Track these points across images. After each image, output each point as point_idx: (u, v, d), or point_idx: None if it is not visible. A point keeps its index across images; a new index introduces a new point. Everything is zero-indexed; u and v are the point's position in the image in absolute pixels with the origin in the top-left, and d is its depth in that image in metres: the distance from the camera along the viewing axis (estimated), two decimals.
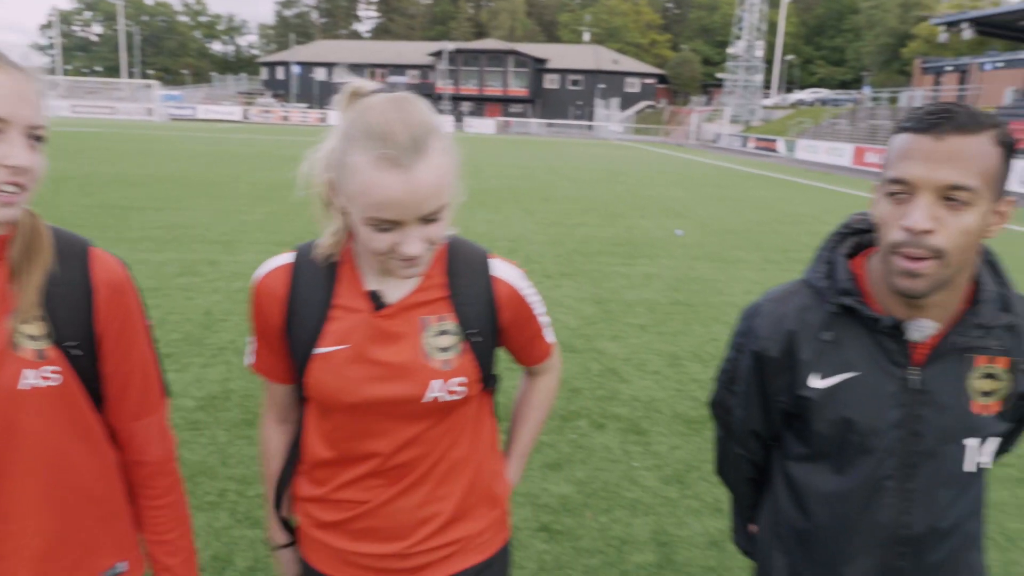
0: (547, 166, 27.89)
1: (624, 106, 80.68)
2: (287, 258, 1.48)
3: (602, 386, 5.48)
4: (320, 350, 1.42)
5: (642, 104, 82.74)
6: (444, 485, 1.51)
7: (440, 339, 1.43)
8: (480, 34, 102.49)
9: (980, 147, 1.21)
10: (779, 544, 1.53)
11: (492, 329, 1.49)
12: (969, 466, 1.40)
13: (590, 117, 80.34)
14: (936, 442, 1.37)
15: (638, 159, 36.39)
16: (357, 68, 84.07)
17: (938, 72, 55.03)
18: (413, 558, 1.50)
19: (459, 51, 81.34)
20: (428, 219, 1.29)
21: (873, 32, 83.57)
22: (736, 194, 20.85)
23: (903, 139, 1.26)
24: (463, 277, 1.47)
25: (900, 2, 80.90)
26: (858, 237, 1.47)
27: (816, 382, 1.40)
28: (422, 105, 1.32)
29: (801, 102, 68.71)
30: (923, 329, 1.34)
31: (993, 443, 1.40)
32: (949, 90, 52.34)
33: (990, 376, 1.38)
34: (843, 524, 1.42)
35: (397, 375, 1.41)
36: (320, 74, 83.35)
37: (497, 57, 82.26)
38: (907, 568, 1.41)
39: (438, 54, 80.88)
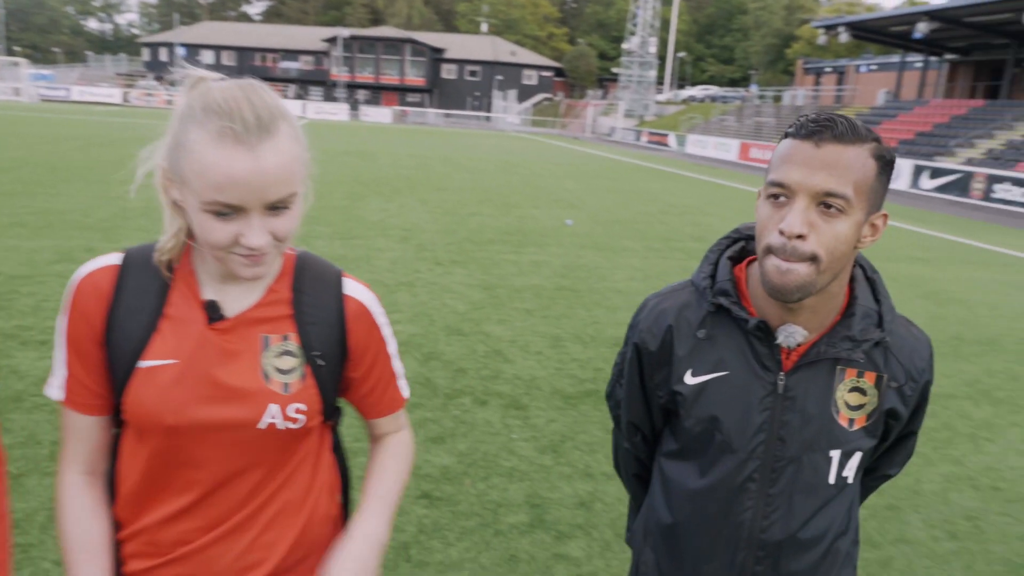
0: (443, 156, 28.00)
1: (522, 98, 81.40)
2: (114, 259, 1.30)
3: (487, 366, 5.71)
4: (144, 364, 1.25)
5: (539, 96, 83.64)
6: (272, 530, 1.34)
7: (281, 360, 1.29)
8: (376, 21, 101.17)
9: (857, 158, 1.24)
10: (649, 540, 1.55)
11: (339, 354, 1.36)
12: (833, 478, 1.41)
13: (488, 108, 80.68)
14: (800, 449, 1.39)
15: (534, 151, 36.91)
16: (247, 52, 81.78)
17: (818, 73, 57.87)
18: None
19: (354, 38, 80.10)
20: (275, 208, 1.18)
21: (760, 32, 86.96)
22: (626, 186, 21.50)
23: (786, 144, 1.29)
24: (311, 294, 1.34)
25: (785, 4, 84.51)
26: (746, 243, 1.49)
27: (689, 378, 1.42)
28: (271, 91, 1.22)
29: (692, 98, 70.97)
30: (793, 335, 1.35)
31: (858, 458, 1.42)
32: (828, 90, 55.17)
33: (858, 390, 1.39)
34: (705, 523, 1.44)
35: (230, 396, 1.26)
36: (207, 57, 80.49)
37: (394, 45, 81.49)
38: (763, 573, 1.43)
39: (333, 40, 79.40)
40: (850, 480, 1.43)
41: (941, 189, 26.91)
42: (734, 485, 1.40)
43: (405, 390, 1.49)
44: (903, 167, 28.81)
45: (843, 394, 1.39)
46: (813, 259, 1.24)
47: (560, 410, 4.98)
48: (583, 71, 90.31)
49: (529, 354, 6.07)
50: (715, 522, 1.43)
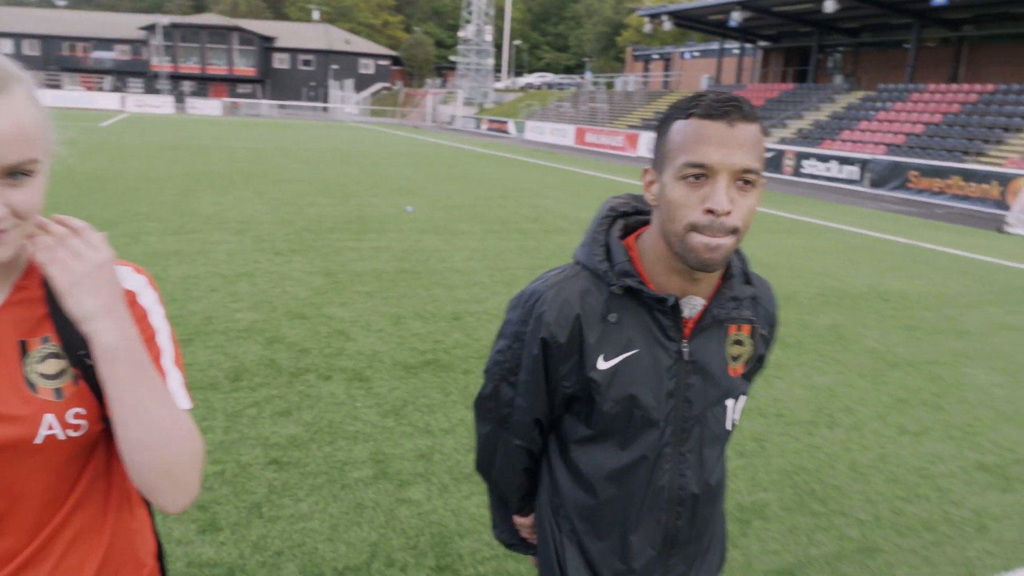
0: (279, 148, 27.48)
1: (359, 88, 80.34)
2: None
3: (330, 345, 5.94)
4: None
5: (378, 86, 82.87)
6: (71, 556, 1.20)
7: (45, 365, 1.15)
8: (199, 8, 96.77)
9: (757, 134, 1.30)
10: (566, 527, 1.56)
11: None
12: (728, 424, 1.53)
13: (325, 99, 79.13)
14: (704, 407, 1.47)
15: (374, 141, 36.76)
16: (52, 41, 75.95)
17: (647, 60, 60.55)
18: None
19: (175, 26, 76.29)
20: (12, 173, 1.04)
21: (592, 21, 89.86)
22: (465, 172, 21.96)
23: (695, 125, 1.29)
24: None
25: None
26: (625, 220, 1.51)
27: (601, 363, 1.43)
28: (3, 56, 1.09)
29: (530, 85, 72.52)
30: (695, 305, 1.43)
31: (742, 401, 1.55)
32: (656, 76, 57.86)
33: (738, 343, 1.50)
34: (628, 496, 1.48)
35: None
36: (6, 46, 73.37)
37: (220, 33, 78.24)
38: (684, 527, 1.51)
39: (151, 28, 75.18)
40: (737, 421, 1.56)
41: None
42: (654, 453, 1.46)
43: (183, 400, 1.22)
44: None
45: (729, 348, 1.49)
46: (735, 232, 1.31)
47: (401, 379, 5.30)
48: (421, 60, 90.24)
49: (371, 332, 6.34)
50: (639, 493, 1.48)
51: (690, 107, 1.31)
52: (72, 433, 1.14)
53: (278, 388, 5.00)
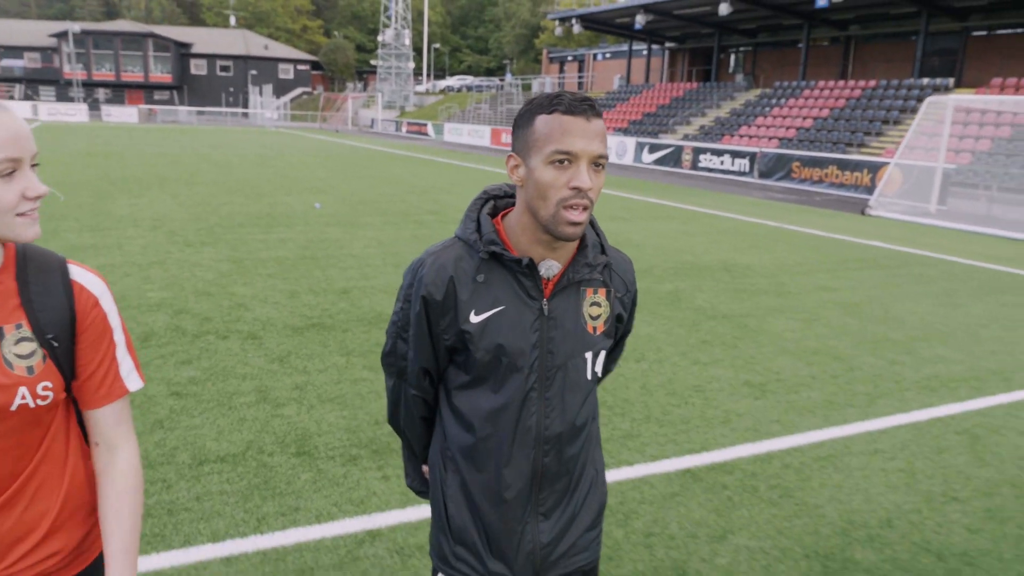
0: (196, 153, 27.94)
1: (279, 93, 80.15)
2: None
3: (230, 314, 6.91)
4: None
5: (298, 91, 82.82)
6: (38, 503, 1.48)
7: (19, 347, 1.41)
8: (111, 14, 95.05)
9: (603, 126, 1.60)
10: (450, 465, 1.79)
11: (70, 336, 1.47)
12: (589, 375, 1.77)
13: (244, 104, 78.72)
14: (564, 357, 1.71)
15: (292, 145, 37.31)
16: None
17: (562, 62, 62.11)
18: None
19: (87, 32, 75.01)
20: (34, 164, 1.37)
21: (510, 24, 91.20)
22: (377, 173, 22.90)
23: (559, 120, 1.56)
24: (37, 283, 1.45)
25: None
26: (496, 201, 1.78)
27: (473, 317, 1.67)
28: None
29: (450, 88, 73.49)
30: (551, 268, 1.68)
31: (602, 356, 1.79)
32: (571, 77, 59.47)
33: (596, 304, 1.75)
34: (501, 433, 1.72)
35: None
36: None
37: (134, 40, 77.22)
38: (551, 463, 1.74)
39: (63, 35, 73.74)
40: (599, 374, 1.82)
41: (659, 162, 30.76)
42: (521, 397, 1.70)
43: (131, 382, 1.56)
44: (628, 144, 32.44)
45: (587, 308, 1.74)
46: (590, 205, 1.59)
47: (288, 337, 6.33)
48: (341, 64, 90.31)
49: (267, 304, 7.32)
50: (510, 431, 1.71)
51: (553, 105, 1.57)
52: (41, 402, 1.41)
53: (182, 345, 5.97)
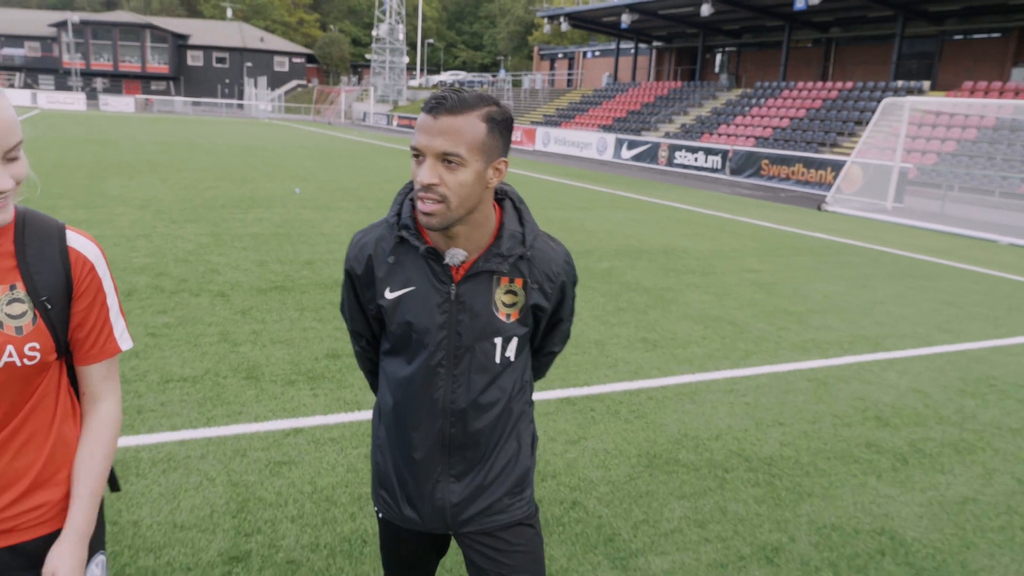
0: (188, 142, 28.85)
1: (274, 85, 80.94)
2: None
3: (204, 277, 7.86)
4: None
5: (293, 83, 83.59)
6: (24, 455, 1.55)
7: (11, 307, 1.48)
8: (110, 5, 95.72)
9: (466, 123, 1.63)
10: (382, 419, 1.96)
11: (65, 299, 1.54)
12: (497, 358, 1.86)
13: (240, 96, 79.49)
14: (472, 340, 1.81)
15: (283, 136, 38.22)
16: None
17: (552, 59, 63.04)
18: None
19: (86, 23, 75.79)
20: (10, 156, 1.39)
21: (504, 20, 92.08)
22: (363, 164, 23.83)
23: (420, 116, 1.68)
24: (34, 247, 1.51)
25: None
26: None
27: (388, 294, 1.81)
28: None
29: (442, 83, 74.35)
30: (456, 255, 1.76)
31: (515, 342, 1.87)
32: (561, 74, 60.40)
33: (511, 292, 1.83)
34: (412, 401, 1.86)
35: None
36: None
37: (132, 31, 77.99)
38: (457, 433, 1.87)
39: (62, 25, 74.56)
40: (512, 359, 1.89)
41: (636, 158, 31.76)
42: (428, 371, 1.82)
43: (123, 342, 1.66)
44: (609, 141, 33.44)
45: (500, 296, 1.82)
46: (443, 199, 1.65)
47: (253, 296, 7.28)
48: (336, 57, 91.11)
49: (238, 271, 8.27)
50: (419, 399, 1.84)
51: (426, 102, 1.67)
52: (28, 362, 1.47)
53: (160, 300, 6.92)
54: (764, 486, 4.20)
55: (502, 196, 1.87)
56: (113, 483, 1.73)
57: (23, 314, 1.48)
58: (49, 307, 1.51)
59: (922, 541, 3.74)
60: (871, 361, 6.62)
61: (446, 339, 1.80)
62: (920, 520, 3.94)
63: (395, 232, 1.80)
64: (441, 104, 1.63)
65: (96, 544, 1.66)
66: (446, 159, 1.64)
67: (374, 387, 2.11)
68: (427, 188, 1.64)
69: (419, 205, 1.67)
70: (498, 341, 1.84)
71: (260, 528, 3.43)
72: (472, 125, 1.64)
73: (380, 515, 2.02)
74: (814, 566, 3.46)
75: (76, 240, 1.56)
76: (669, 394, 5.52)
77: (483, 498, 1.91)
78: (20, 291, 1.48)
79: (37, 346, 1.49)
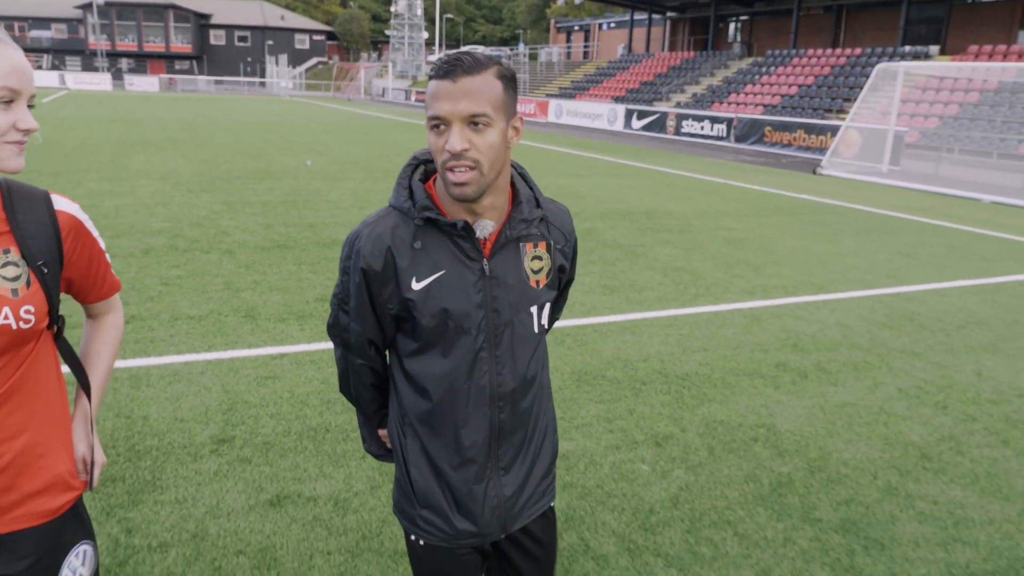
0: (209, 120, 29.81)
1: (294, 63, 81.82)
2: None
3: (214, 238, 8.74)
4: None
5: (313, 60, 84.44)
6: (17, 413, 1.57)
7: (6, 270, 1.50)
8: None
9: (485, 82, 1.57)
10: (409, 431, 1.82)
11: (58, 261, 1.58)
12: (536, 328, 1.81)
13: (261, 74, 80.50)
14: (511, 314, 1.75)
15: (302, 113, 39.12)
16: None
17: (569, 31, 63.25)
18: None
19: (111, 4, 77.03)
20: (31, 104, 1.51)
21: None
22: (377, 138, 24.65)
23: (432, 85, 1.59)
24: (24, 213, 1.54)
25: None
26: (425, 166, 1.79)
27: (415, 284, 1.69)
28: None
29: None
30: (485, 228, 1.70)
31: (547, 308, 1.84)
32: (578, 47, 60.64)
33: (537, 258, 1.79)
34: (455, 396, 1.75)
35: None
36: None
37: (155, 11, 79.15)
38: (507, 418, 1.79)
39: (88, 7, 75.93)
40: (546, 326, 1.86)
41: (646, 127, 32.29)
42: (472, 357, 1.73)
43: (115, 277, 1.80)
44: (619, 111, 33.96)
45: (528, 263, 1.77)
46: (476, 165, 1.59)
47: (257, 253, 8.15)
48: (356, 34, 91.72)
49: (246, 232, 9.15)
50: (464, 393, 1.75)
51: (433, 70, 1.62)
52: (23, 325, 1.52)
53: (173, 257, 7.81)
54: (672, 395, 4.99)
55: None
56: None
57: (17, 277, 1.51)
58: (45, 271, 1.55)
59: (793, 432, 4.52)
60: (808, 302, 7.35)
61: (485, 319, 1.73)
62: (798, 418, 4.72)
63: (413, 216, 1.70)
64: (458, 65, 1.57)
65: (81, 534, 1.72)
66: (473, 122, 1.58)
67: (371, 403, 1.96)
68: (458, 156, 1.58)
69: (451, 177, 1.60)
70: (534, 310, 1.79)
71: (244, 421, 4.30)
72: (490, 83, 1.59)
73: (421, 543, 1.86)
74: (694, 448, 4.26)
75: (62, 204, 1.62)
76: (613, 328, 6.31)
77: (530, 484, 1.87)
78: (14, 255, 1.52)
79: (32, 309, 1.52)
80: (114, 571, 2.96)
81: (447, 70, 1.57)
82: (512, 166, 1.78)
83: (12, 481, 1.57)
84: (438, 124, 1.59)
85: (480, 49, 1.65)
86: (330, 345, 5.54)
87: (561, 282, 1.92)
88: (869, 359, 5.84)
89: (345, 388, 1.96)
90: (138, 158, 16.10)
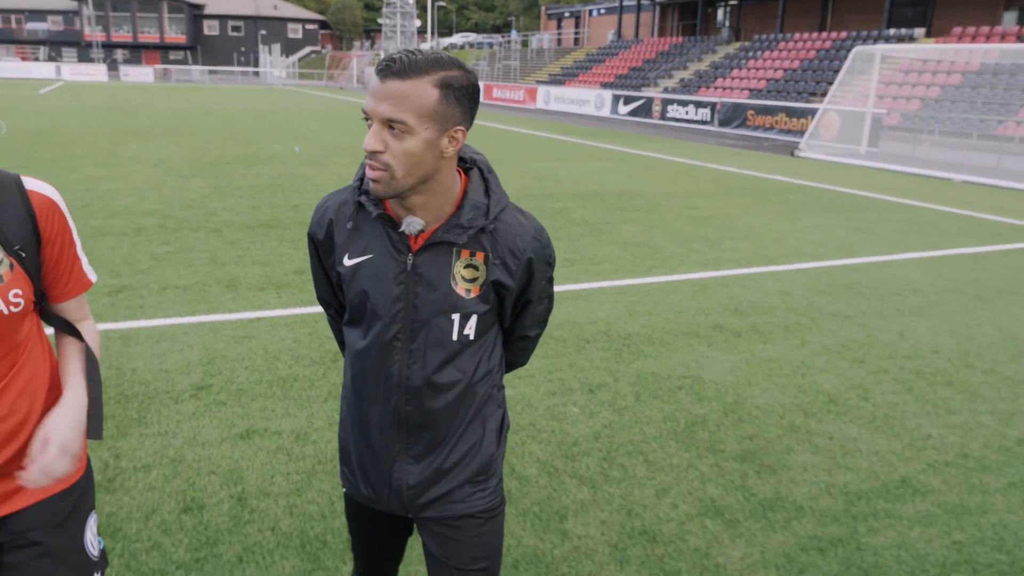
0: (203, 109, 30.24)
1: (288, 52, 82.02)
2: None
3: (203, 218, 9.24)
4: None
5: (306, 49, 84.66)
6: (24, 396, 1.62)
7: None
8: None
9: (414, 88, 1.52)
10: (344, 393, 1.94)
11: (35, 243, 1.58)
12: (454, 336, 1.77)
13: (255, 63, 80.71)
14: (429, 314, 1.74)
15: (294, 101, 39.53)
16: None
17: (560, 18, 63.52)
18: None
19: None
20: None
21: None
22: (363, 125, 25.04)
23: (371, 79, 1.59)
24: None
25: None
26: None
27: (346, 261, 1.76)
28: None
29: (453, 46, 75.03)
30: (412, 224, 1.69)
31: (474, 319, 1.78)
32: (568, 33, 60.90)
33: (472, 266, 1.74)
34: (367, 375, 1.81)
35: None
36: None
37: (150, 2, 79.35)
38: (413, 412, 1.80)
39: None
40: (472, 337, 1.80)
41: (632, 113, 32.73)
42: (384, 344, 1.76)
43: (91, 275, 1.74)
44: (606, 97, 34.44)
45: (460, 270, 1.74)
46: (387, 168, 1.57)
47: (242, 231, 8.65)
48: (349, 23, 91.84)
49: (232, 212, 9.65)
50: (375, 373, 1.80)
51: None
52: (13, 309, 1.53)
53: (163, 235, 8.31)
54: (612, 351, 5.51)
55: (470, 165, 1.78)
56: (97, 431, 1.69)
57: None
58: (23, 255, 1.55)
59: (716, 382, 5.04)
60: (756, 273, 7.86)
61: (402, 311, 1.74)
62: (723, 370, 5.24)
63: (355, 198, 1.75)
64: (389, 67, 1.53)
65: (89, 504, 1.76)
66: (391, 125, 1.55)
67: (342, 350, 2.07)
68: (371, 155, 1.58)
69: (367, 171, 1.62)
70: (455, 317, 1.76)
71: (221, 372, 4.82)
72: (421, 90, 1.53)
73: (344, 490, 2.02)
74: (623, 395, 4.78)
75: (35, 185, 1.59)
76: (567, 296, 6.82)
77: (442, 483, 1.87)
78: None
79: (20, 292, 1.53)
80: (104, 486, 3.48)
81: (381, 68, 1.55)
82: (479, 168, 1.78)
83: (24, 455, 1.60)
84: (366, 118, 1.60)
85: (430, 47, 1.60)
86: (303, 310, 6.06)
87: (506, 300, 1.84)
88: (802, 321, 6.35)
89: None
90: (132, 145, 16.57)
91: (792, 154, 20.32)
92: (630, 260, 8.13)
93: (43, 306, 1.70)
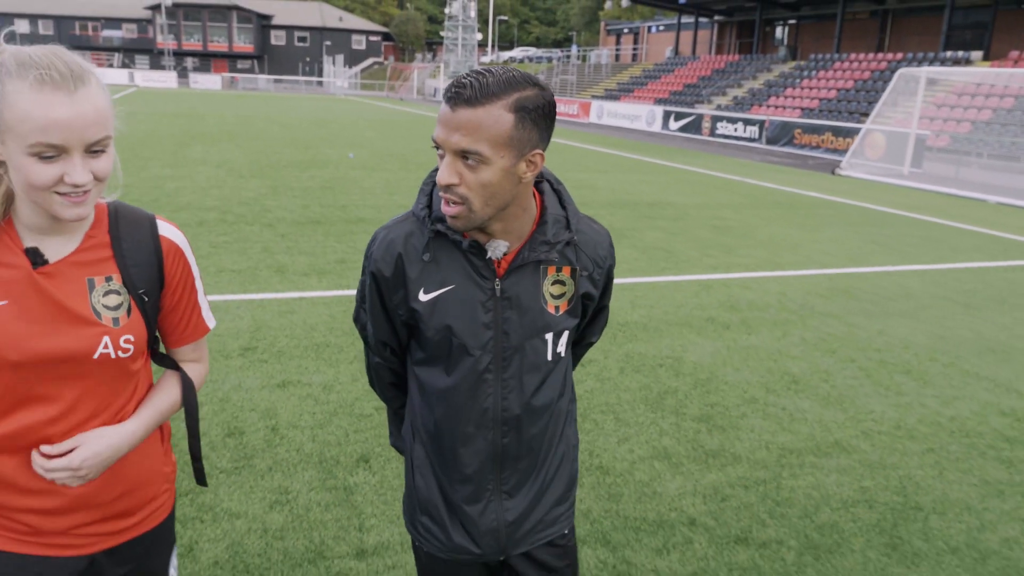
0: (266, 116, 31.69)
1: (351, 63, 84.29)
2: None
3: (258, 214, 10.17)
4: None
5: (369, 61, 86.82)
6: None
7: (107, 299, 1.50)
8: None
9: (488, 116, 1.44)
10: (417, 437, 1.80)
11: (158, 288, 1.58)
12: (549, 356, 1.72)
13: (319, 73, 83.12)
14: (521, 339, 1.67)
15: (354, 111, 40.90)
16: (65, 21, 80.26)
17: (619, 34, 64.19)
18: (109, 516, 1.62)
19: (178, 5, 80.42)
20: (93, 150, 1.35)
21: None
22: (421, 133, 26.12)
23: (441, 106, 1.49)
24: (128, 239, 1.54)
25: None
26: None
27: (422, 296, 1.64)
28: (71, 52, 1.37)
29: (512, 59, 76.23)
30: (498, 248, 1.62)
31: (566, 335, 1.74)
32: (627, 49, 61.56)
33: (559, 282, 1.69)
34: (457, 414, 1.70)
35: (64, 331, 1.45)
36: (22, 26, 78.09)
37: (220, 12, 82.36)
38: (511, 443, 1.73)
39: (156, 8, 79.45)
40: (562, 354, 1.76)
41: (682, 129, 33.25)
42: (475, 377, 1.67)
43: (210, 320, 1.74)
44: (657, 113, 34.99)
45: (548, 287, 1.68)
46: (463, 201, 1.50)
47: (292, 226, 9.55)
48: (412, 35, 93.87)
49: (285, 210, 10.58)
50: (465, 411, 1.70)
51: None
52: (122, 354, 1.52)
53: (222, 228, 9.24)
54: (608, 336, 6.19)
55: (539, 179, 1.72)
56: (201, 477, 1.80)
57: (119, 305, 1.52)
58: (146, 299, 1.55)
59: (696, 363, 5.69)
60: (761, 276, 8.45)
61: (492, 341, 1.67)
62: (704, 354, 5.89)
63: (427, 226, 1.63)
64: (459, 94, 1.45)
65: (172, 536, 1.80)
66: (465, 156, 1.47)
67: (395, 402, 1.96)
68: (447, 188, 1.50)
69: (442, 206, 1.56)
70: (549, 337, 1.71)
71: (266, 336, 5.65)
72: (496, 117, 1.45)
73: (424, 551, 1.85)
74: (608, 369, 5.46)
75: (166, 229, 1.61)
76: None
77: (537, 511, 1.80)
78: (116, 282, 1.52)
79: (132, 338, 1.53)
80: None
81: (450, 96, 1.47)
82: (548, 181, 1.73)
83: (133, 493, 1.66)
84: (437, 147, 1.51)
85: (494, 67, 1.52)
86: (340, 293, 6.87)
87: (588, 309, 1.82)
88: (790, 318, 6.94)
89: (371, 382, 1.97)
90: (197, 148, 17.77)
91: (833, 172, 20.66)
92: (646, 262, 8.78)
93: (154, 348, 1.70)
